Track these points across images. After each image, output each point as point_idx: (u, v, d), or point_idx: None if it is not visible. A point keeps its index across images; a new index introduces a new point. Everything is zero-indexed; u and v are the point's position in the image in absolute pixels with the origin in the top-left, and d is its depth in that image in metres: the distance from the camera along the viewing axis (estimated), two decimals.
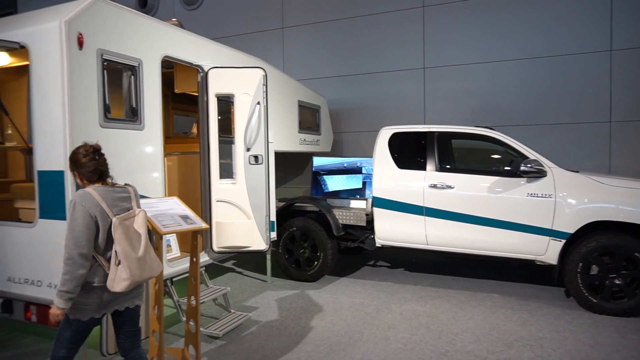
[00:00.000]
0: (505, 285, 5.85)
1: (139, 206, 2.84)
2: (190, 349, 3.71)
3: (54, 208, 3.38)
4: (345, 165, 6.94)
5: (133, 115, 3.86)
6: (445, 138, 5.84)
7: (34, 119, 3.43)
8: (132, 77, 3.85)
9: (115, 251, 2.59)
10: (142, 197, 3.82)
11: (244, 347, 4.10)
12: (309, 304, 5.27)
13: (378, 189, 5.75)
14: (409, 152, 5.84)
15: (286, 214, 6.37)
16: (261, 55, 5.95)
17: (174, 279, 4.36)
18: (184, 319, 4.35)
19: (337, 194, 6.70)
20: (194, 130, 7.04)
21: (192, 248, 3.57)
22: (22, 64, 4.47)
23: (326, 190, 6.85)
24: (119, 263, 2.58)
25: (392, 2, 8.10)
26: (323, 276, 6.23)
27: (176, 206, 3.63)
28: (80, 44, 3.34)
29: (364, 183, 6.75)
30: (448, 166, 5.70)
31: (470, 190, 5.33)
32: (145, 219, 2.80)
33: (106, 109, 3.57)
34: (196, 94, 5.46)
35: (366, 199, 6.26)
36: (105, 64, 3.55)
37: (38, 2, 12.31)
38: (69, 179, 3.28)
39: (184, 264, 4.52)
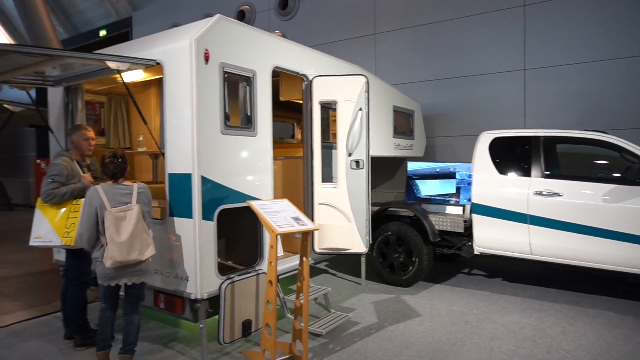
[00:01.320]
0: (619, 302, 5.39)
1: (137, 202, 3.46)
2: (297, 344, 3.91)
3: (181, 207, 3.75)
4: (439, 170, 6.82)
5: (248, 123, 4.16)
6: (551, 143, 5.53)
7: (166, 127, 3.83)
8: (247, 87, 4.15)
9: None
10: (254, 198, 4.13)
11: (346, 346, 4.22)
12: (405, 308, 5.27)
13: (478, 195, 5.60)
14: (512, 157, 5.61)
15: (379, 218, 6.42)
16: (353, 61, 6.07)
17: (279, 277, 4.60)
18: (289, 315, 4.59)
19: (430, 200, 6.61)
20: (298, 136, 7.37)
21: (302, 248, 3.76)
22: (150, 79, 5.03)
23: (420, 195, 6.79)
24: (107, 244, 3.32)
25: (490, 3, 7.84)
26: (417, 282, 6.19)
27: (287, 208, 3.85)
28: (207, 58, 3.69)
29: (458, 188, 6.59)
30: (555, 172, 5.39)
31: (581, 198, 5.00)
32: (138, 213, 3.42)
33: (226, 117, 3.89)
34: (295, 101, 5.76)
35: (464, 205, 6.12)
36: (225, 76, 3.88)
37: (150, 22, 13.64)
38: (196, 181, 3.62)
39: (287, 263, 4.78)
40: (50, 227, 3.86)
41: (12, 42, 18.50)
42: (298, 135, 7.76)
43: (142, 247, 3.42)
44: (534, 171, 5.31)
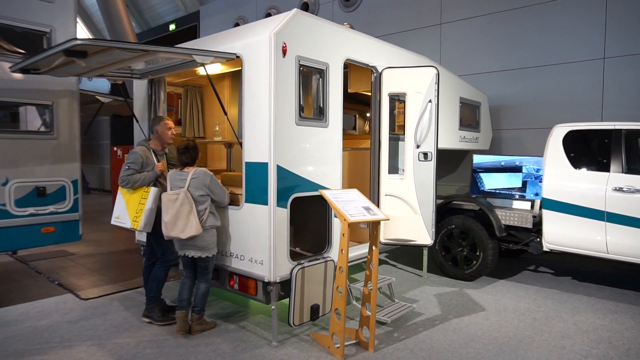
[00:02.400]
0: None
1: (189, 187, 3.95)
2: (364, 331, 4.03)
3: (257, 194, 3.94)
4: (504, 163, 6.63)
5: (320, 114, 4.29)
6: (634, 136, 5.22)
7: (244, 117, 4.04)
8: (320, 79, 4.27)
9: None
10: (324, 188, 4.26)
11: (411, 335, 4.28)
12: (469, 302, 5.23)
13: (549, 190, 5.42)
14: (588, 151, 5.38)
15: (443, 211, 6.37)
16: (417, 51, 6.01)
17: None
18: (354, 302, 4.71)
19: (496, 193, 6.45)
20: (365, 127, 7.44)
21: (372, 237, 3.85)
22: (225, 72, 5.28)
23: (484, 189, 6.64)
24: None
25: None
26: (481, 276, 6.11)
27: (358, 197, 3.95)
28: (284, 52, 3.84)
29: (524, 182, 6.38)
30: (637, 168, 5.10)
31: None
32: (184, 197, 3.90)
33: (300, 109, 4.03)
34: (358, 93, 5.82)
35: (533, 200, 5.94)
36: (301, 69, 4.02)
37: (217, 16, 14.12)
38: (272, 170, 3.80)
39: (352, 252, 4.88)
40: (126, 210, 4.24)
41: (91, 37, 19.83)
42: (365, 127, 7.81)
43: (185, 227, 3.89)
44: (614, 166, 5.05)
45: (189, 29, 15.02)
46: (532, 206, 5.97)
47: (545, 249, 5.55)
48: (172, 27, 16.32)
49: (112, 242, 8.31)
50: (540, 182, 6.02)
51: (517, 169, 6.44)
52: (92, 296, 5.29)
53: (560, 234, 5.35)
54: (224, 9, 13.81)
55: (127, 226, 4.21)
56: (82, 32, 20.74)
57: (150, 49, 3.48)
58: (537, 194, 6.04)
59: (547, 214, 5.43)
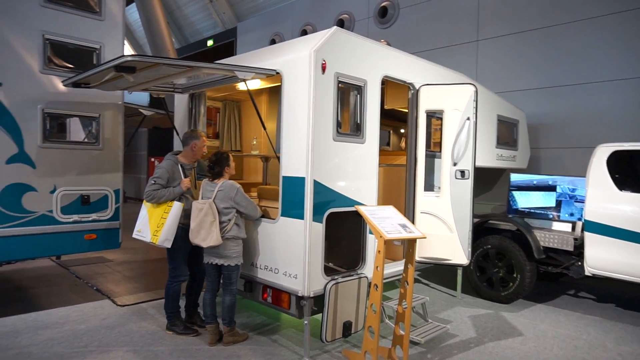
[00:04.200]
0: None
1: (215, 199, 4.08)
2: (397, 350, 3.95)
3: (294, 208, 3.97)
4: (536, 182, 6.43)
5: (357, 131, 4.30)
6: None
7: (282, 132, 4.10)
8: (358, 96, 4.30)
9: None
10: (359, 203, 4.25)
11: (445, 357, 4.18)
12: (505, 326, 5.07)
13: (592, 212, 5.23)
14: (634, 172, 5.16)
15: (478, 230, 6.23)
16: (452, 68, 5.96)
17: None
18: (387, 320, 4.64)
19: (534, 214, 6.26)
20: (402, 144, 7.41)
21: (408, 255, 3.80)
22: (263, 87, 5.39)
23: (518, 208, 6.45)
24: None
25: (606, 5, 7.27)
26: (518, 299, 5.91)
27: (394, 214, 3.92)
28: (323, 69, 3.89)
29: (558, 202, 6.15)
30: None
31: None
32: (209, 207, 4.03)
33: (338, 125, 4.06)
34: (394, 109, 5.81)
35: (574, 222, 5.74)
36: (339, 85, 4.06)
37: (253, 32, 14.46)
38: (309, 185, 3.83)
39: (386, 269, 4.83)
40: (148, 224, 4.24)
41: (134, 52, 20.66)
42: (401, 144, 7.78)
43: (206, 237, 4.02)
44: None
45: (226, 44, 15.44)
46: (574, 228, 5.76)
47: (587, 273, 5.33)
48: (210, 42, 16.82)
49: (146, 251, 8.51)
50: (576, 202, 5.84)
51: (550, 188, 6.25)
52: (128, 303, 5.42)
53: (604, 258, 5.13)
54: (261, 26, 14.15)
55: (147, 240, 4.20)
56: (126, 48, 21.65)
57: (195, 65, 3.60)
58: (572, 214, 5.85)
59: (589, 237, 5.23)
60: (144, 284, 6.34)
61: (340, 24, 11.39)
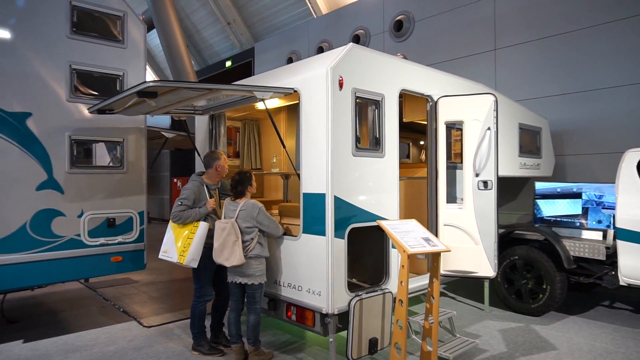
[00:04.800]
0: None
1: (237, 218, 4.11)
2: None
3: (315, 225, 3.96)
4: (560, 190, 6.27)
5: (376, 145, 4.30)
6: None
7: (302, 149, 4.12)
8: (376, 110, 4.30)
9: None
10: (381, 218, 4.22)
11: None
12: (537, 340, 4.91)
13: (624, 220, 5.05)
14: None
15: (504, 241, 6.10)
16: (471, 78, 5.92)
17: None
18: (413, 335, 4.56)
19: (561, 222, 6.09)
20: (422, 156, 7.36)
21: (432, 269, 3.75)
22: (281, 105, 5.45)
23: (542, 216, 6.28)
24: None
25: (625, 9, 7.14)
26: (549, 311, 5.73)
27: (417, 228, 3.88)
28: (341, 85, 3.91)
29: (585, 209, 5.97)
30: None
31: None
32: (232, 226, 4.05)
33: (357, 140, 4.07)
34: (413, 121, 5.78)
35: (606, 230, 5.56)
36: (357, 100, 4.07)
37: (270, 51, 14.70)
38: (330, 201, 3.83)
39: (411, 284, 4.76)
40: (174, 245, 4.28)
41: (156, 77, 21.25)
42: (421, 156, 7.73)
43: (230, 256, 4.04)
44: None
45: (244, 64, 15.73)
46: (605, 236, 5.59)
47: (622, 283, 5.14)
48: (228, 63, 17.17)
49: (171, 271, 8.60)
50: (604, 208, 5.68)
51: (576, 195, 6.09)
52: (154, 324, 5.47)
53: (639, 267, 4.94)
54: (277, 45, 14.38)
55: (173, 260, 4.23)
56: (148, 73, 22.28)
57: (214, 87, 3.67)
58: (599, 222, 5.68)
59: (622, 245, 5.05)
60: (169, 304, 6.40)
61: (356, 39, 11.47)
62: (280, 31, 15.33)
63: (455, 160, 4.97)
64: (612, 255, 5.29)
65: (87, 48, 5.13)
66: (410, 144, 8.26)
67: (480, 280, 5.80)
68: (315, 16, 13.84)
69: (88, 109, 4.69)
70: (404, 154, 8.04)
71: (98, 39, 5.21)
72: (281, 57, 13.81)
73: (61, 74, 4.97)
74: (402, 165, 7.06)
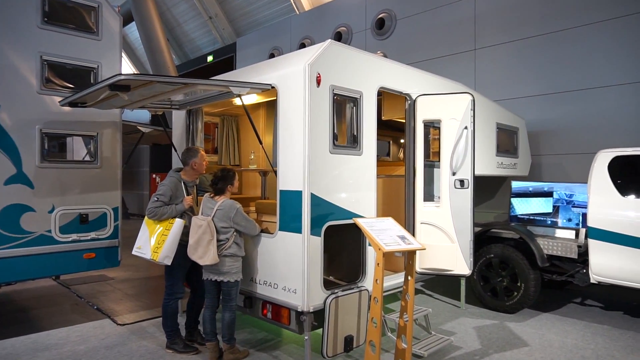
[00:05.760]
0: None
1: (213, 217, 4.04)
2: None
3: (291, 222, 3.94)
4: (532, 189, 6.39)
5: (354, 142, 4.29)
6: None
7: (279, 146, 4.08)
8: (354, 108, 4.29)
9: None
10: (358, 216, 4.22)
11: None
12: (511, 336, 4.99)
13: (595, 219, 5.16)
14: (637, 178, 5.11)
15: (481, 239, 6.18)
16: (451, 77, 5.97)
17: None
18: (389, 333, 4.57)
19: (536, 221, 6.20)
20: (400, 155, 7.39)
21: (407, 267, 3.76)
22: (260, 101, 5.40)
23: (520, 216, 6.40)
24: None
25: (604, 11, 7.28)
26: (523, 309, 5.82)
27: (393, 226, 3.89)
28: (318, 82, 3.89)
29: (555, 208, 6.10)
30: None
31: None
32: (207, 226, 3.99)
33: (334, 137, 4.05)
34: (392, 120, 5.80)
35: (577, 229, 5.68)
36: (335, 97, 4.05)
37: (252, 47, 14.58)
38: (306, 198, 3.80)
39: (387, 282, 4.77)
40: (148, 241, 4.20)
41: (136, 71, 20.88)
42: (400, 154, 7.76)
43: (203, 255, 4.00)
44: None
45: (226, 60, 15.57)
46: (577, 235, 5.70)
47: (592, 280, 5.25)
48: (209, 58, 16.97)
49: (148, 268, 8.47)
50: (574, 207, 5.81)
51: (548, 195, 6.22)
52: (128, 322, 5.37)
53: (609, 265, 5.05)
54: (259, 41, 14.27)
55: (147, 257, 4.16)
56: (127, 66, 21.86)
57: (189, 82, 3.61)
58: (570, 220, 5.82)
59: (593, 244, 5.16)
60: (145, 301, 6.30)
61: (338, 36, 11.46)
62: (263, 27, 15.21)
63: (433, 158, 5.00)
64: (583, 254, 5.40)
65: (60, 39, 4.98)
66: (391, 142, 8.29)
67: (456, 278, 5.86)
68: (297, 12, 13.77)
69: (59, 102, 4.56)
70: (384, 152, 8.06)
71: (71, 29, 5.07)
72: (263, 53, 13.70)
73: (32, 65, 4.82)
74: (381, 163, 7.13)
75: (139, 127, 5.97)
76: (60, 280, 7.24)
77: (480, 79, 8.77)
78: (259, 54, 13.91)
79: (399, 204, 5.27)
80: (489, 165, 6.46)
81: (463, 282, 6.02)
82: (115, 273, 7.94)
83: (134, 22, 13.22)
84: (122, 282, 7.42)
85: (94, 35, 5.24)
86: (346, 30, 11.44)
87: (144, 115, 9.86)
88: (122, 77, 3.25)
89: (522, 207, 6.35)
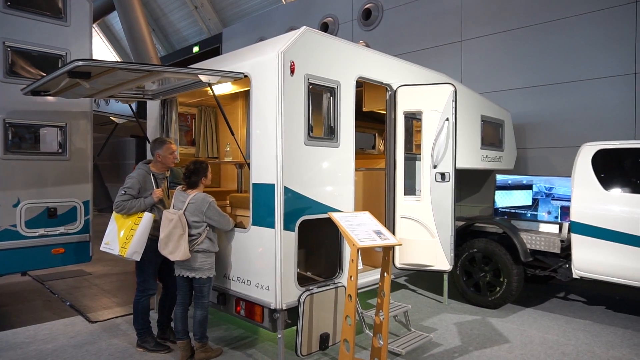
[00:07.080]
0: None
1: (185, 211, 3.90)
2: None
3: (264, 217, 3.79)
4: (511, 182, 6.32)
5: (330, 134, 4.14)
6: None
7: (251, 137, 3.92)
8: (331, 98, 4.13)
9: None
10: (335, 210, 4.08)
11: None
12: (492, 332, 4.90)
13: (578, 213, 5.07)
14: (620, 172, 5.03)
15: (464, 234, 6.08)
16: (438, 69, 5.83)
17: (358, 292, 4.49)
18: (367, 330, 4.45)
19: (520, 215, 6.12)
20: (380, 147, 7.25)
21: (383, 263, 3.63)
22: (238, 91, 5.22)
23: (501, 209, 6.32)
24: None
25: (590, 3, 7.17)
26: (505, 304, 5.75)
27: (369, 221, 3.75)
28: (292, 70, 3.72)
29: (535, 200, 6.04)
30: None
31: None
32: (179, 218, 3.84)
33: (309, 129, 3.89)
34: (377, 112, 5.66)
35: (561, 223, 5.60)
36: (310, 87, 3.89)
37: (239, 37, 14.31)
38: (279, 192, 3.65)
39: (367, 277, 4.66)
40: (117, 236, 4.02)
41: (120, 60, 20.48)
42: (380, 146, 7.63)
43: (174, 250, 3.86)
44: None
45: (212, 50, 15.27)
46: (560, 229, 5.62)
47: (575, 276, 5.18)
48: (195, 49, 16.65)
49: (127, 263, 8.22)
50: (553, 199, 5.75)
51: (527, 187, 6.15)
52: (101, 319, 5.20)
53: (591, 260, 4.98)
54: (246, 31, 14.00)
55: (115, 253, 3.98)
56: (111, 56, 21.43)
57: (154, 69, 3.42)
58: (549, 212, 5.76)
59: (576, 239, 5.08)
60: (122, 298, 6.13)
61: (325, 27, 11.25)
62: (249, 17, 14.93)
63: (416, 151, 4.87)
64: (566, 249, 5.32)
65: (24, 24, 4.75)
66: (377, 134, 8.15)
67: (438, 273, 5.77)
68: (284, 2, 13.52)
69: (21, 90, 4.34)
70: (369, 145, 7.92)
71: (37, 14, 4.84)
72: (249, 44, 13.33)
73: None
74: (366, 155, 6.99)
75: (111, 118, 5.76)
76: (35, 276, 7.03)
77: (467, 71, 8.64)
78: (245, 44, 13.50)
79: (380, 198, 5.14)
80: (474, 158, 6.35)
81: (446, 277, 5.92)
82: (94, 268, 7.74)
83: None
84: (100, 278, 7.23)
85: (61, 20, 5.01)
86: (333, 20, 11.23)
87: (125, 106, 9.62)
88: (80, 64, 3.05)
89: (504, 200, 6.27)
